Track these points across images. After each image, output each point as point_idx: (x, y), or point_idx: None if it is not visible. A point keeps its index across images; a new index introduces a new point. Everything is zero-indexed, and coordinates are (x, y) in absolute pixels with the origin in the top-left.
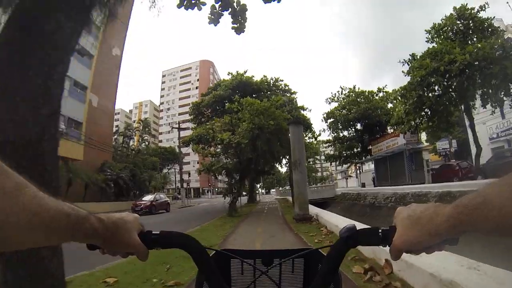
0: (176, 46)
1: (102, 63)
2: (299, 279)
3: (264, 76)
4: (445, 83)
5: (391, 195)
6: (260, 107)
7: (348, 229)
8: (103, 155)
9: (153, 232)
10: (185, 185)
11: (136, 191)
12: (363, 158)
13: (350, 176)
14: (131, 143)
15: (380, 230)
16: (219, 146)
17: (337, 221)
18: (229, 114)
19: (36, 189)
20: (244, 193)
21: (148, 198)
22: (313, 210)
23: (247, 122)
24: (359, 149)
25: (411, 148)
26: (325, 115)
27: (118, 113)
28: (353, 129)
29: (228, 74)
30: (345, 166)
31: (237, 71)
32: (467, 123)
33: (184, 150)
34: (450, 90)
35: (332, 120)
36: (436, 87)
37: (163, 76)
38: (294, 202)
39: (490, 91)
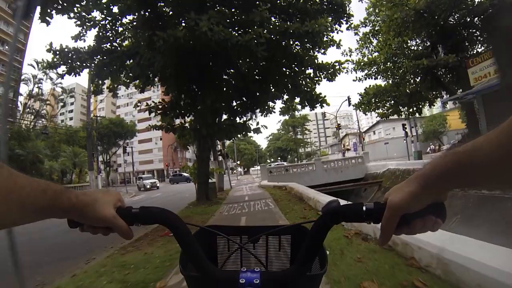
0: None
1: None
2: (286, 256)
3: None
4: None
5: None
6: None
7: (329, 205)
8: None
9: (133, 208)
10: (137, 167)
11: None
12: (438, 95)
13: (348, 150)
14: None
15: (364, 207)
16: None
17: None
18: None
19: (9, 168)
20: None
21: None
22: None
23: None
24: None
25: None
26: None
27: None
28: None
29: None
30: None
31: None
32: None
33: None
34: None
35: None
36: None
37: None
38: None
39: None
